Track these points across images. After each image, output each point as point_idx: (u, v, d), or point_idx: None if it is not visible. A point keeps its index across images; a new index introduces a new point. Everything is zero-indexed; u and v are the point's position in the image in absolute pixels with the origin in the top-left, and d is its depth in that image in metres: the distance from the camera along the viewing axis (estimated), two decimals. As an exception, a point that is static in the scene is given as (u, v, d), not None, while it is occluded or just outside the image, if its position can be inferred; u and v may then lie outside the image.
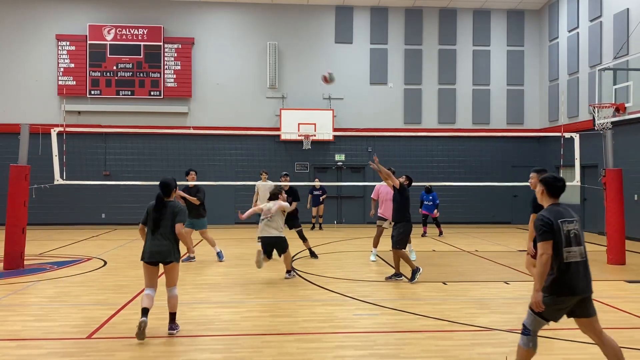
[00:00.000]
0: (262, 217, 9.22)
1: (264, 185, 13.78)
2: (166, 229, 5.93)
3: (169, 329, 5.96)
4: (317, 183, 17.20)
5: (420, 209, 15.68)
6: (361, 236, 15.48)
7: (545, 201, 4.69)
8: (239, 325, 6.38)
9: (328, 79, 11.12)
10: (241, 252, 12.57)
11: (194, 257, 11.08)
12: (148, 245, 5.99)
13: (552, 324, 4.42)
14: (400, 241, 8.97)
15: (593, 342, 4.69)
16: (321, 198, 17.66)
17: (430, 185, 15.45)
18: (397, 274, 9.03)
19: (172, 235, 5.93)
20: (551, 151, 18.48)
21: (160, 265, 6.01)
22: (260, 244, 9.29)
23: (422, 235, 15.45)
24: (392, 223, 9.35)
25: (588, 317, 4.43)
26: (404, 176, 9.72)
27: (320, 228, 17.56)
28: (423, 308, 7.13)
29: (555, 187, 4.72)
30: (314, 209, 17.67)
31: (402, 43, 19.80)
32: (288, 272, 9.24)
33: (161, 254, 5.91)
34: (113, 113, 18.65)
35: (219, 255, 11.19)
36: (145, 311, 5.77)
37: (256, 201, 13.16)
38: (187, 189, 11.23)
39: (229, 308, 7.20)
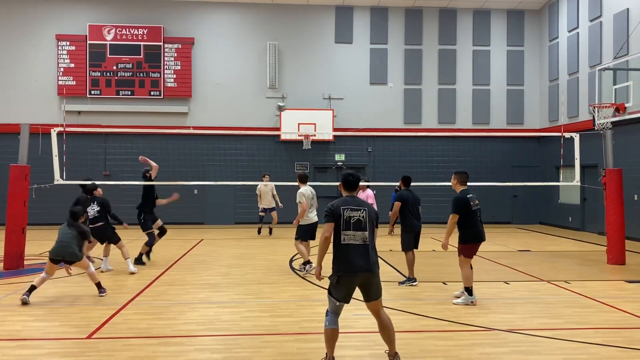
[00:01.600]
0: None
1: (265, 187, 13.96)
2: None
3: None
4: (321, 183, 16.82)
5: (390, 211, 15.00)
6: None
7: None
8: (239, 325, 6.38)
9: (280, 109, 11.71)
10: (241, 252, 12.57)
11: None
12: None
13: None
14: (403, 244, 8.92)
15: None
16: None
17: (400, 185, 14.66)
18: (409, 279, 8.76)
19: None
20: (551, 151, 18.49)
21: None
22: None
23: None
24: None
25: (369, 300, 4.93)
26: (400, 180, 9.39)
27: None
28: (423, 308, 7.13)
29: (346, 181, 5.11)
30: None
31: (402, 43, 19.80)
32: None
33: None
34: (113, 113, 18.65)
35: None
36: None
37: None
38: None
39: (229, 308, 7.20)
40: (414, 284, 8.65)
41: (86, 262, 7.83)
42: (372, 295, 4.89)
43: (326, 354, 4.93)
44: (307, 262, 9.54)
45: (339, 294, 4.84)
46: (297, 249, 9.63)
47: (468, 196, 7.42)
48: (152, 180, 10.89)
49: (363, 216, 4.88)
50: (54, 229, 18.77)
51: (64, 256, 7.52)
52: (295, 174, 18.95)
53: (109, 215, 9.93)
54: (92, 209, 9.88)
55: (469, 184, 7.68)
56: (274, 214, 15.69)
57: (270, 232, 15.93)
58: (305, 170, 10.71)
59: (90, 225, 9.51)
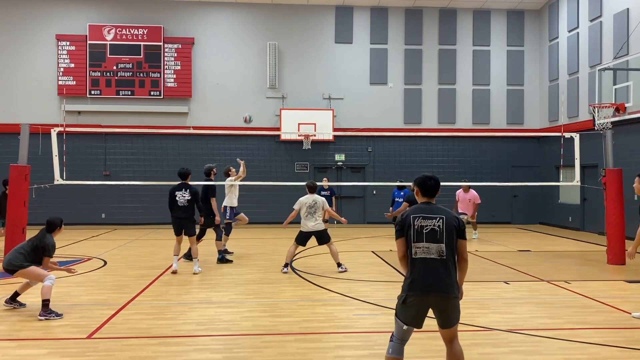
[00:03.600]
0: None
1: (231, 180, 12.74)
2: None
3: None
4: (325, 183, 15.92)
5: (390, 209, 14.83)
6: (361, 236, 15.48)
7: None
8: (239, 325, 6.38)
9: (248, 120, 11.90)
10: (241, 252, 12.57)
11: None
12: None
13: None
14: None
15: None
16: (333, 199, 15.85)
17: (401, 182, 14.48)
18: None
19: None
20: (551, 151, 18.49)
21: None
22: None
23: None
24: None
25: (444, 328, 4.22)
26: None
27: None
28: (423, 308, 7.12)
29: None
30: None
31: (402, 43, 19.80)
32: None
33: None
34: (113, 113, 18.65)
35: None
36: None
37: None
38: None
39: (229, 308, 7.20)
40: None
41: (36, 272, 6.80)
42: (446, 321, 4.18)
43: None
44: (286, 265, 9.82)
45: (406, 315, 4.15)
46: (289, 249, 9.98)
47: None
48: (212, 180, 11.31)
49: (439, 225, 4.13)
50: (54, 229, 18.63)
51: (5, 264, 6.80)
52: (296, 174, 19.03)
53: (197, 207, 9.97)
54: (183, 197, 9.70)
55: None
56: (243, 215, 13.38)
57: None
58: (313, 181, 10.73)
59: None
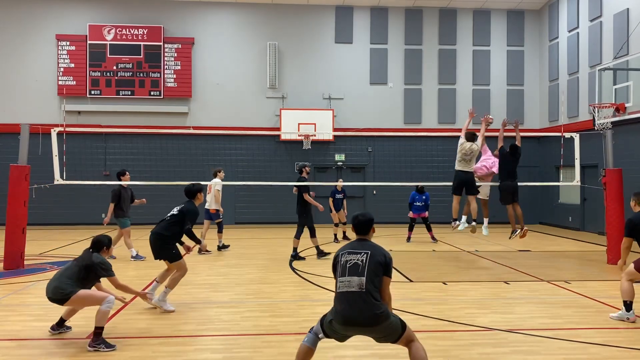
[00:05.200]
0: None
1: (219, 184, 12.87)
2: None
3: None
4: (340, 184, 14.76)
5: (410, 212, 14.43)
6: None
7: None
8: (239, 325, 6.38)
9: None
10: (241, 252, 12.58)
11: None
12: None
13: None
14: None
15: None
16: (344, 201, 14.96)
17: (422, 185, 14.29)
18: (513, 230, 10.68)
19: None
20: (551, 151, 18.48)
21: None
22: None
23: (407, 241, 14.28)
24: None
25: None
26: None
27: (345, 237, 14.94)
28: (423, 308, 7.13)
29: None
30: (335, 215, 14.70)
31: (402, 43, 19.80)
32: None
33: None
34: (113, 113, 18.65)
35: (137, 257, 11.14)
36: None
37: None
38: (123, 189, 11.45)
39: (229, 308, 7.20)
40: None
41: (91, 295, 5.76)
42: (382, 341, 4.39)
43: None
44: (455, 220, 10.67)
45: (329, 331, 4.44)
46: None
47: None
48: (307, 180, 11.75)
49: (362, 260, 4.27)
50: (54, 229, 18.81)
51: (52, 294, 5.71)
52: (295, 174, 19.00)
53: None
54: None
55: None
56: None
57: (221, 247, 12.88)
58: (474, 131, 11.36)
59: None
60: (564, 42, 18.44)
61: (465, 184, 10.38)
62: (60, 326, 5.98)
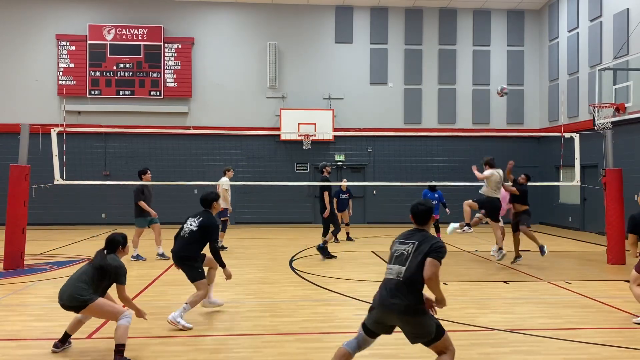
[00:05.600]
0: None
1: (228, 184, 13.18)
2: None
3: None
4: (344, 184, 14.43)
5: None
6: (361, 236, 15.47)
7: None
8: (239, 325, 6.38)
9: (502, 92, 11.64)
10: (241, 252, 12.58)
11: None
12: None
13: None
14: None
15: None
16: (350, 201, 14.62)
17: (433, 184, 14.10)
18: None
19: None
20: (551, 151, 18.48)
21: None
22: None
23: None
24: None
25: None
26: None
27: (349, 238, 14.71)
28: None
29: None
30: (339, 215, 13.96)
31: (402, 43, 19.80)
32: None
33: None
34: (113, 113, 18.65)
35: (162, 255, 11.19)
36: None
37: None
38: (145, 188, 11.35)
39: (229, 308, 7.20)
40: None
41: (109, 307, 5.28)
42: (409, 338, 4.31)
43: None
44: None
45: (368, 320, 4.41)
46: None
47: None
48: (329, 179, 11.93)
49: (408, 250, 4.31)
50: (54, 229, 18.78)
51: (67, 300, 5.19)
52: (295, 174, 19.02)
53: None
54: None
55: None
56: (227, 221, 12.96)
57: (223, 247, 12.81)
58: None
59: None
60: (564, 42, 18.44)
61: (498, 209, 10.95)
62: (64, 343, 5.45)
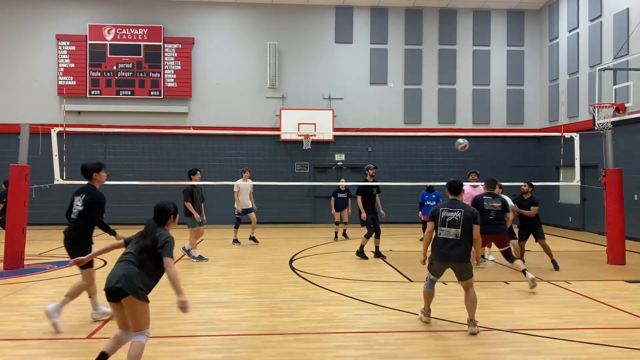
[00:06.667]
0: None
1: (244, 185, 13.78)
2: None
3: None
4: (342, 183, 14.71)
5: (420, 213, 14.25)
6: (361, 236, 15.43)
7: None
8: (239, 325, 6.38)
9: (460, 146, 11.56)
10: (241, 252, 12.58)
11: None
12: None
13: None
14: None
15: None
16: (349, 200, 14.81)
17: (431, 184, 14.09)
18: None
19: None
20: (551, 151, 18.48)
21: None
22: None
23: (421, 240, 14.01)
24: None
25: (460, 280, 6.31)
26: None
27: (345, 236, 15.03)
28: (423, 308, 7.12)
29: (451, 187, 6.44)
30: (337, 214, 14.77)
31: (402, 43, 19.80)
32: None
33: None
34: (113, 113, 18.64)
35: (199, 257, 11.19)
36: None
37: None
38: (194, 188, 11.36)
39: (229, 308, 7.20)
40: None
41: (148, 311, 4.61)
42: (460, 277, 6.25)
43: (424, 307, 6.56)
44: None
45: (432, 270, 6.43)
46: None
47: None
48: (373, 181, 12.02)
49: (457, 216, 6.15)
50: (54, 229, 18.79)
51: (116, 281, 4.44)
52: (295, 174, 19.02)
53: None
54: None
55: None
56: (253, 215, 13.99)
57: (254, 239, 14.11)
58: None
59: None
60: (564, 42, 18.44)
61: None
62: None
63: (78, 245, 6.35)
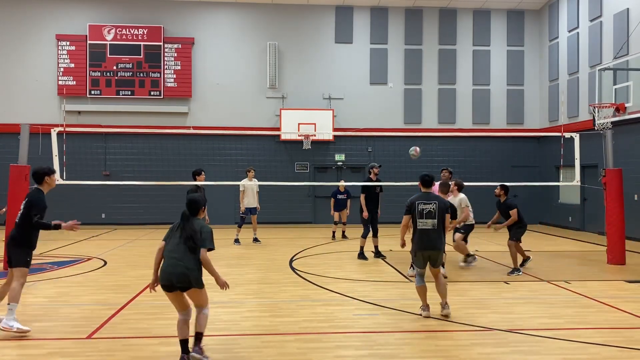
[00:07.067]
0: None
1: (250, 184, 13.86)
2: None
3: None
4: (342, 184, 14.70)
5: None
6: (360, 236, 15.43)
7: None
8: (239, 325, 6.38)
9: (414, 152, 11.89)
10: (241, 252, 12.58)
11: None
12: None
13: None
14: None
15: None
16: (348, 201, 14.72)
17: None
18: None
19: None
20: (551, 151, 18.48)
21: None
22: None
23: None
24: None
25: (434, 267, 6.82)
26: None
27: (344, 236, 15.00)
28: (423, 308, 7.12)
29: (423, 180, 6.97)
30: (336, 214, 14.78)
31: (402, 43, 19.80)
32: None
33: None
34: (113, 113, 18.64)
35: None
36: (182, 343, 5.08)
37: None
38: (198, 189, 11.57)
39: (229, 308, 7.20)
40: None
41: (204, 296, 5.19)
42: (433, 264, 6.80)
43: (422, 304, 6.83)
44: (469, 255, 10.48)
45: (417, 263, 6.89)
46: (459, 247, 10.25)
47: None
48: (372, 181, 12.04)
49: (433, 208, 6.72)
50: (54, 229, 18.63)
51: (177, 280, 4.94)
52: (295, 174, 19.00)
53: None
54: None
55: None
56: (255, 217, 14.06)
57: (256, 240, 14.10)
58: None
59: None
60: (564, 42, 18.44)
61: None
62: (187, 352, 5.04)
63: (18, 246, 6.29)
